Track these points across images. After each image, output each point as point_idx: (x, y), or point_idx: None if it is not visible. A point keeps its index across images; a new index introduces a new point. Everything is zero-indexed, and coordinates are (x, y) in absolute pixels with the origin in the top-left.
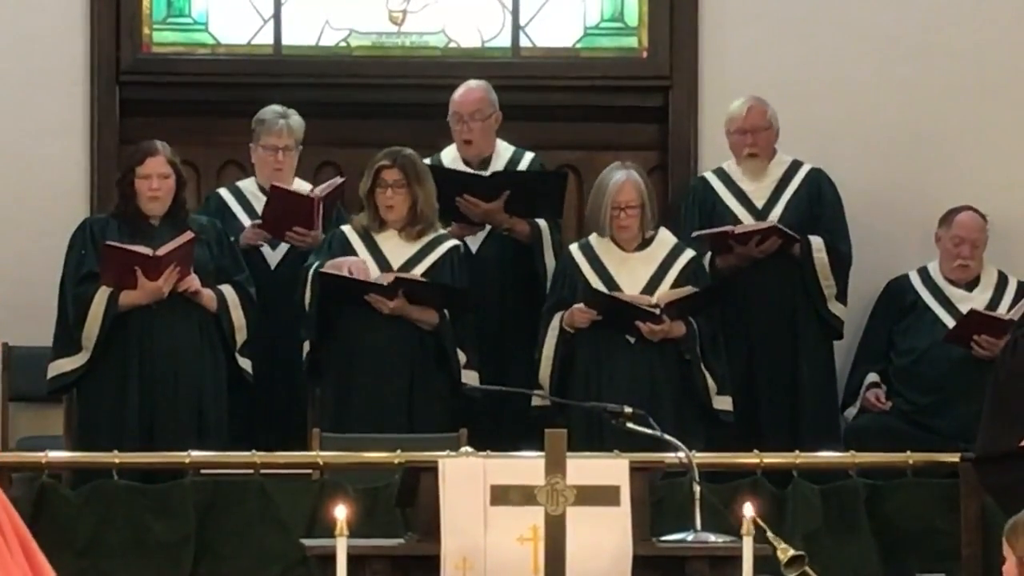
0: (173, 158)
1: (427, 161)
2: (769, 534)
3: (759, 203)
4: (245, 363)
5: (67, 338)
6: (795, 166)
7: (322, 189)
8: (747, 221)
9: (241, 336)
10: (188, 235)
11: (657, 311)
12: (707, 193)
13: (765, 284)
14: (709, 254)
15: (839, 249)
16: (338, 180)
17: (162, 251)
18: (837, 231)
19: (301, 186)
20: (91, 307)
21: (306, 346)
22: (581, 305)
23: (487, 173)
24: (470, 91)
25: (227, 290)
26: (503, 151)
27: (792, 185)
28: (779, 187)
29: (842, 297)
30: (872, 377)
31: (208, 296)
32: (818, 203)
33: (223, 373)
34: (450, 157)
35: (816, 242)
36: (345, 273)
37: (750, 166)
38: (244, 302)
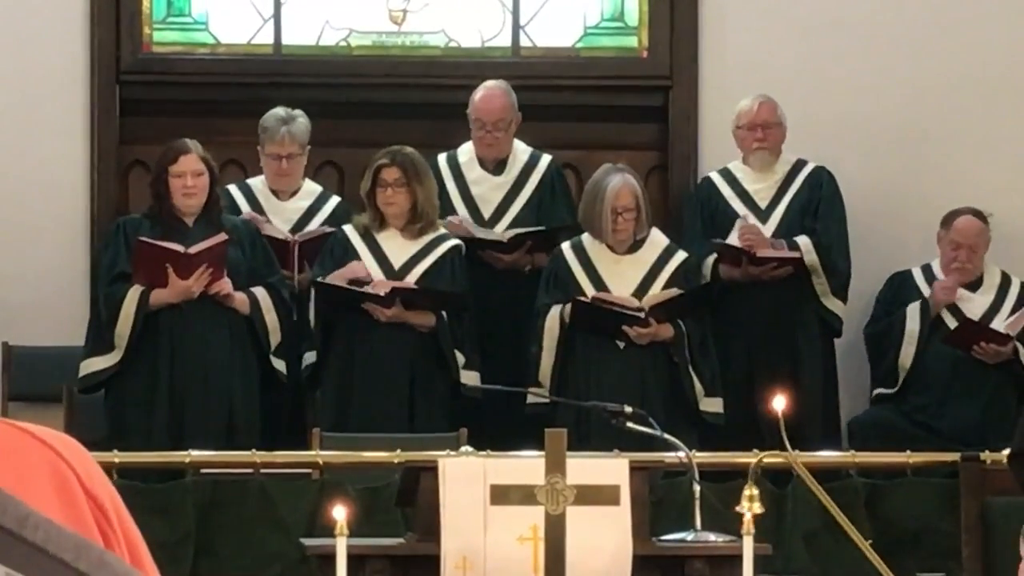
0: (205, 155)
1: (441, 158)
2: None
3: (763, 203)
4: (279, 363)
5: (100, 337)
6: (799, 165)
7: (303, 235)
8: (751, 220)
9: (275, 339)
10: (221, 236)
11: (642, 314)
12: (711, 193)
13: (763, 284)
14: (714, 255)
15: (836, 266)
16: (326, 229)
17: (194, 249)
18: (830, 224)
19: (301, 204)
20: (123, 306)
21: (307, 357)
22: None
23: (504, 238)
24: (493, 98)
25: (260, 292)
26: (520, 153)
27: (795, 185)
28: (783, 187)
29: (840, 293)
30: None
31: (240, 300)
32: (817, 198)
33: (254, 374)
34: (465, 156)
35: (804, 243)
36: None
37: (758, 159)
38: (277, 304)
